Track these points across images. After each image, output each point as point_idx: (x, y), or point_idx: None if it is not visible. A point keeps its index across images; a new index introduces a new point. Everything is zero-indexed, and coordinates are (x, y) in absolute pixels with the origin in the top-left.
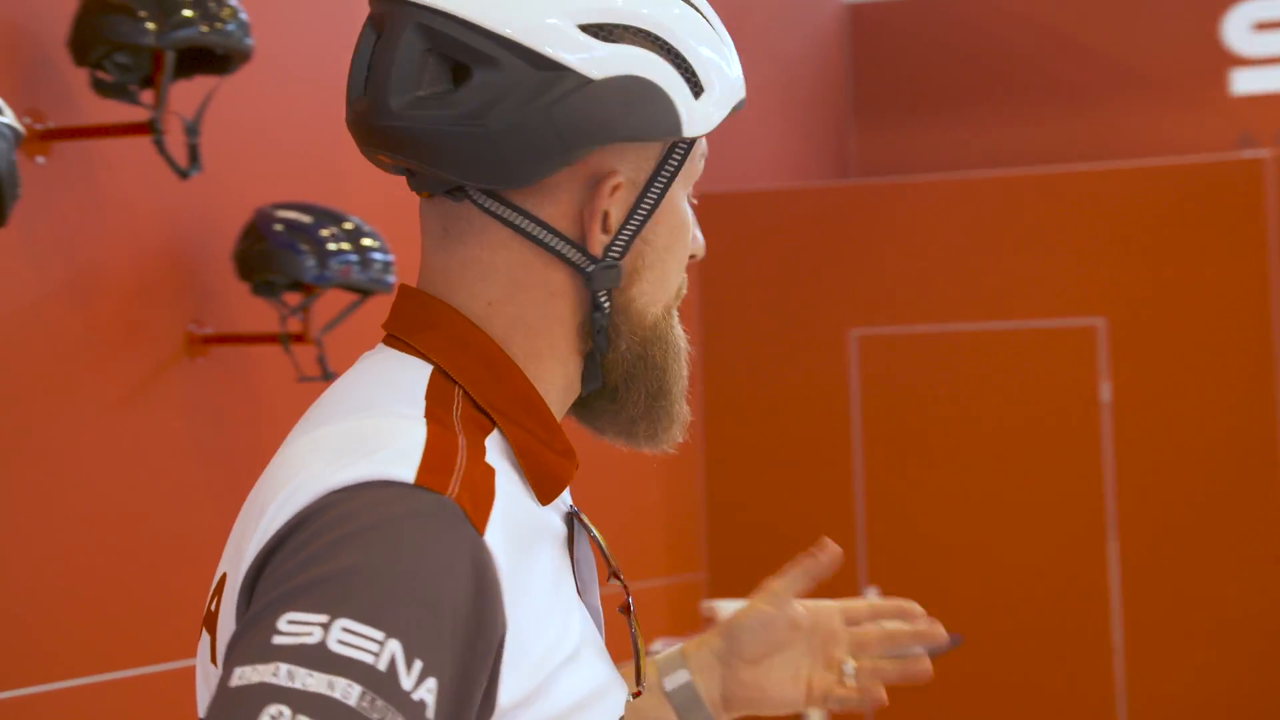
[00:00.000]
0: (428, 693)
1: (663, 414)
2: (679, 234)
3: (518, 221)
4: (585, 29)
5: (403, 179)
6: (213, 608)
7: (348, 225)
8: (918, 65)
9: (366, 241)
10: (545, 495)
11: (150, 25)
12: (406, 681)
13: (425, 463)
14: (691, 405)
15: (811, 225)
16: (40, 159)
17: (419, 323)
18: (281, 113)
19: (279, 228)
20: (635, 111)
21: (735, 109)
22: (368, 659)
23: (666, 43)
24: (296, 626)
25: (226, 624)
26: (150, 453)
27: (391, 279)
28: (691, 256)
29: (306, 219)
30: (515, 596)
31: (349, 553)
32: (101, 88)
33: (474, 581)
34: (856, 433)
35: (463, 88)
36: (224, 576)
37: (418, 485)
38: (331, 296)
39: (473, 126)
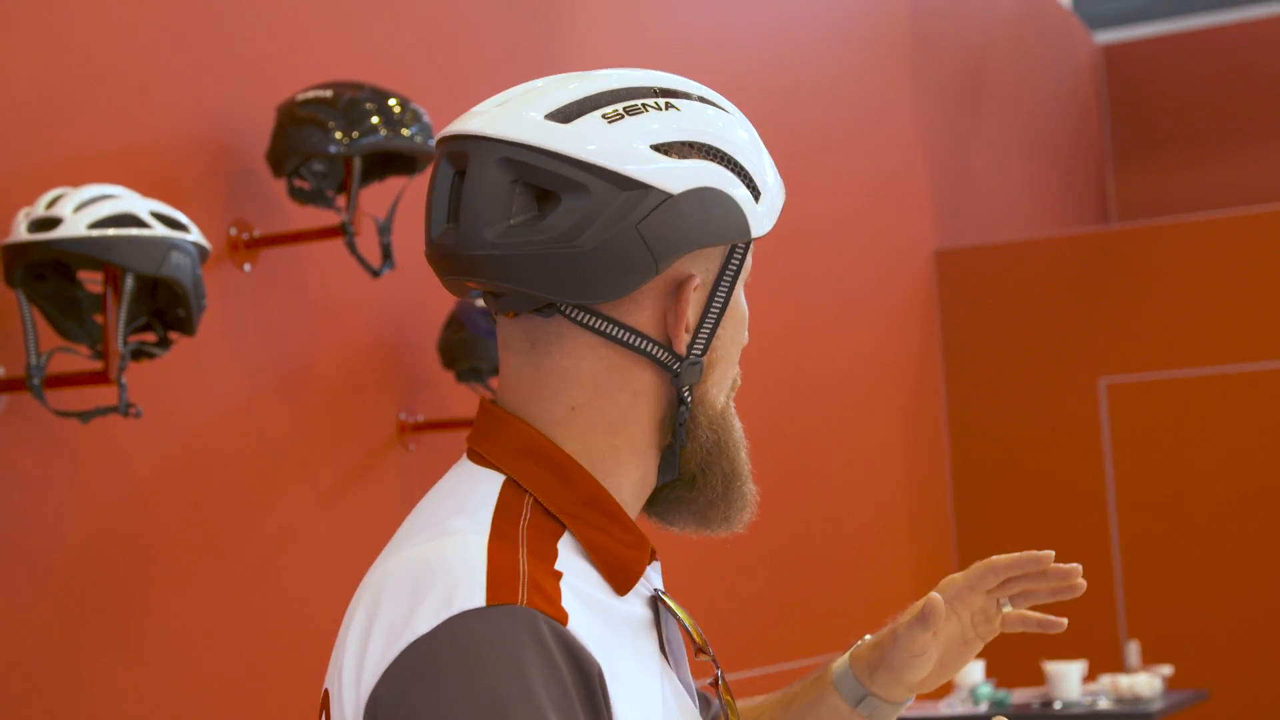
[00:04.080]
0: None
1: (737, 495)
2: (741, 325)
3: (609, 330)
4: (656, 149)
5: None
6: None
7: None
8: (1177, 102)
9: None
10: (621, 586)
11: (338, 135)
12: None
13: (491, 580)
14: (938, 458)
15: (1063, 273)
16: (247, 266)
17: (493, 435)
18: None
19: (480, 317)
20: (713, 220)
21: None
22: None
23: (726, 154)
24: None
25: None
26: (366, 538)
27: None
28: None
29: None
30: (611, 678)
31: (456, 702)
32: (298, 195)
33: (576, 671)
34: (1110, 483)
35: (552, 213)
36: (327, 693)
37: (490, 605)
38: None
39: (566, 248)
